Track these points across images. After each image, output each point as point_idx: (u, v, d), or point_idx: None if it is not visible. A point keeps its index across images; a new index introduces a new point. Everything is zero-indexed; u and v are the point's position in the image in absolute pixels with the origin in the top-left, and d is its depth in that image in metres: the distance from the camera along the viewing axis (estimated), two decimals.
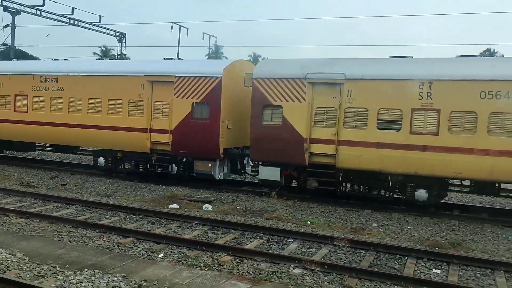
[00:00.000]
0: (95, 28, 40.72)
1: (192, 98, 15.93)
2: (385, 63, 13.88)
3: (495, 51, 58.94)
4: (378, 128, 13.55)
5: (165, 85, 16.40)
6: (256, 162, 16.16)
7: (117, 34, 44.03)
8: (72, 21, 38.24)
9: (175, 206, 14.14)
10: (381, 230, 12.41)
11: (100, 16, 39.71)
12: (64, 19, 37.76)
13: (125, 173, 18.34)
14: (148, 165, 17.34)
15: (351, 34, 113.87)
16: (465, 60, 13.17)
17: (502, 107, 12.28)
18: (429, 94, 12.93)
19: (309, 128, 14.38)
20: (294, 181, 15.69)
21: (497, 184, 13.93)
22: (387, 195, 14.33)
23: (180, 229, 11.72)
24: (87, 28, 39.94)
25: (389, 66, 13.71)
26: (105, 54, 65.09)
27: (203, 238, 10.88)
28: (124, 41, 44.80)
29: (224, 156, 16.08)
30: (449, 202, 15.98)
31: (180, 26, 52.25)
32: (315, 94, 14.31)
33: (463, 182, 16.50)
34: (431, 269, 9.39)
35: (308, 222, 12.91)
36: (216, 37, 60.41)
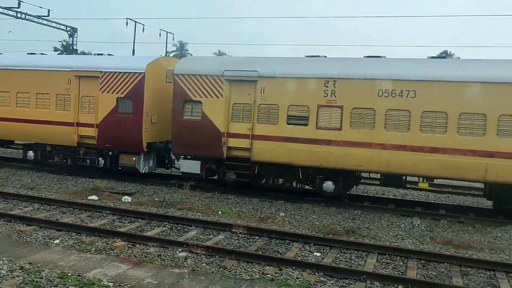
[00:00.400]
0: (44, 22, 40.24)
1: (116, 93, 16.33)
2: (295, 62, 14.67)
3: (452, 53, 61.31)
4: (288, 124, 14.32)
5: (91, 80, 16.73)
6: (179, 156, 16.67)
7: (68, 29, 43.63)
8: (19, 15, 37.69)
9: (94, 197, 14.54)
10: (286, 219, 13.19)
11: (48, 10, 39.27)
12: (10, 13, 37.21)
13: (56, 167, 18.52)
14: (76, 159, 17.60)
15: (326, 33, 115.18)
16: (367, 60, 14.09)
17: (396, 105, 13.24)
18: (333, 92, 13.78)
19: (227, 123, 15.03)
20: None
21: (404, 177, 14.99)
22: (298, 186, 15.13)
23: (90, 218, 12.16)
24: (35, 22, 39.43)
25: (298, 64, 14.49)
26: (66, 48, 64.25)
27: (107, 226, 11.38)
28: (75, 36, 44.45)
29: (149, 150, 16.55)
30: (366, 194, 17.05)
31: (135, 22, 52.38)
32: (232, 90, 14.97)
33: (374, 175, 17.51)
34: (313, 252, 10.20)
35: (220, 212, 13.57)
36: (173, 34, 59.90)
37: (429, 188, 14.28)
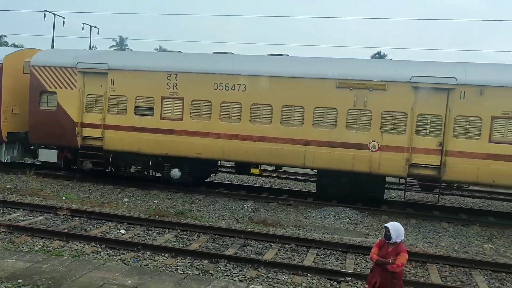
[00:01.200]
0: None
1: None
2: (142, 56, 15.54)
3: (385, 54, 64.23)
4: (136, 114, 15.15)
5: None
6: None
7: None
8: None
9: None
10: (126, 204, 14.01)
11: None
12: None
13: None
14: None
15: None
16: (207, 56, 15.18)
17: (229, 97, 14.37)
18: (175, 84, 14.73)
19: (81, 114, 15.64)
20: None
21: (254, 166, 16.22)
22: (150, 174, 16.01)
23: None
24: None
25: (144, 58, 15.36)
26: None
27: None
28: None
29: (10, 139, 16.86)
30: (231, 182, 18.19)
31: (55, 15, 51.48)
32: (86, 82, 15.59)
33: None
34: (120, 230, 11.09)
35: (64, 198, 14.20)
36: (98, 28, 59.12)
37: (260, 173, 15.50)
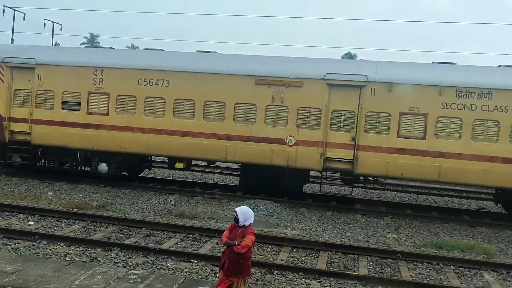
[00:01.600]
0: None
1: None
2: (69, 51, 15.73)
3: (355, 54, 65.22)
4: (63, 109, 15.28)
5: None
6: None
7: None
8: None
9: None
10: (49, 197, 14.14)
11: None
12: None
13: None
14: None
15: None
16: (132, 52, 15.45)
17: (153, 92, 14.63)
18: (101, 80, 14.92)
19: (9, 108, 15.68)
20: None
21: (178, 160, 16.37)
22: (79, 168, 16.14)
23: None
24: None
25: (71, 53, 15.52)
26: None
27: None
28: None
29: None
30: (169, 178, 18.41)
31: (14, 10, 50.73)
32: (14, 76, 15.64)
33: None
34: (29, 221, 11.26)
35: None
36: (61, 25, 58.39)
37: (185, 168, 15.79)
